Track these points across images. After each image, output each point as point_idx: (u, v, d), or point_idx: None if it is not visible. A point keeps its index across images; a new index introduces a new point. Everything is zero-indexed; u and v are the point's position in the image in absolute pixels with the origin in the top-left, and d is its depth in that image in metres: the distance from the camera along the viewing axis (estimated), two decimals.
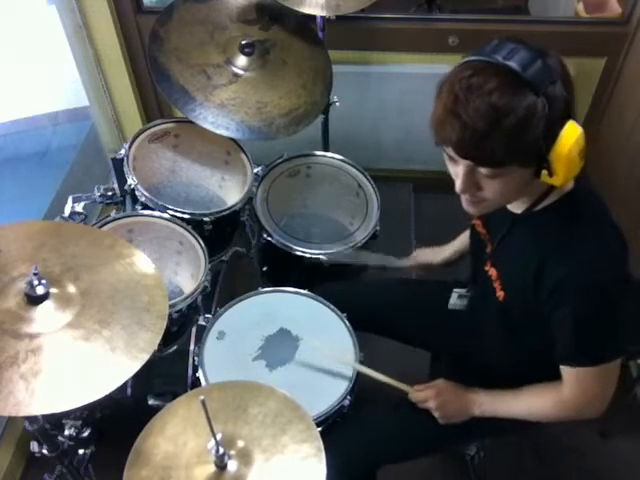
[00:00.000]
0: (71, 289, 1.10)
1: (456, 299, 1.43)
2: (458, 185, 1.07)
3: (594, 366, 1.13)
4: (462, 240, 1.59)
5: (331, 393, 1.41)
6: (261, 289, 1.63)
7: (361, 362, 1.46)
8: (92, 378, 1.01)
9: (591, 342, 1.12)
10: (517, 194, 1.11)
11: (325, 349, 1.46)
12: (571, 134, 0.99)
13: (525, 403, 1.26)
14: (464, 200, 1.12)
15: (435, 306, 1.50)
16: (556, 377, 1.19)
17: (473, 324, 1.39)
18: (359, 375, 1.44)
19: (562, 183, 1.03)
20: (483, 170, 1.02)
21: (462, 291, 1.41)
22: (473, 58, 1.00)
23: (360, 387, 1.45)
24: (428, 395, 1.35)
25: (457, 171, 1.06)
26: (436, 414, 1.34)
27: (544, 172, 1.02)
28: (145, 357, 1.04)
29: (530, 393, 1.26)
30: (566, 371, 1.17)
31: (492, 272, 1.25)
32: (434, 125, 1.03)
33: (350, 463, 1.36)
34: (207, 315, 1.60)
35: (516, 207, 1.16)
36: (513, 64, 0.96)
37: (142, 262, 1.21)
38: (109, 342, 1.05)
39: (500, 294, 1.22)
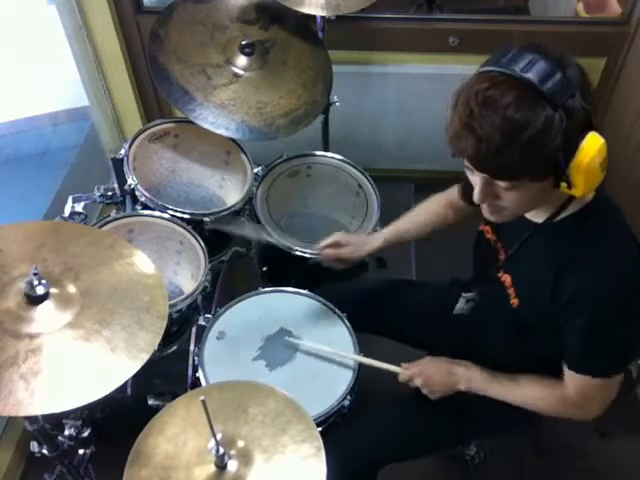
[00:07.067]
0: (71, 289, 1.10)
1: (464, 304, 1.41)
2: (476, 195, 1.06)
3: (600, 378, 1.13)
4: (399, 229, 1.53)
5: (331, 393, 1.41)
6: (261, 289, 1.63)
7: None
8: (92, 378, 1.01)
9: (601, 355, 1.12)
10: (537, 204, 1.10)
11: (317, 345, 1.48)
12: (591, 145, 0.96)
13: (524, 391, 1.25)
14: (484, 209, 1.11)
15: (435, 307, 1.50)
16: (554, 373, 1.19)
17: (476, 326, 1.38)
18: (359, 374, 1.44)
19: (583, 194, 1.01)
20: (500, 183, 1.01)
21: (470, 295, 1.40)
22: (490, 68, 0.98)
23: (360, 387, 1.45)
24: (414, 372, 1.36)
25: (475, 180, 1.06)
26: (424, 391, 1.34)
27: (563, 184, 1.00)
28: (145, 357, 1.04)
29: (530, 383, 1.25)
30: (571, 373, 1.16)
31: (506, 278, 1.23)
32: (450, 138, 1.01)
33: (350, 463, 1.36)
34: (207, 315, 1.60)
35: (537, 216, 1.15)
36: (531, 76, 0.93)
37: (142, 262, 1.20)
38: (109, 342, 1.05)
39: (514, 301, 1.21)
